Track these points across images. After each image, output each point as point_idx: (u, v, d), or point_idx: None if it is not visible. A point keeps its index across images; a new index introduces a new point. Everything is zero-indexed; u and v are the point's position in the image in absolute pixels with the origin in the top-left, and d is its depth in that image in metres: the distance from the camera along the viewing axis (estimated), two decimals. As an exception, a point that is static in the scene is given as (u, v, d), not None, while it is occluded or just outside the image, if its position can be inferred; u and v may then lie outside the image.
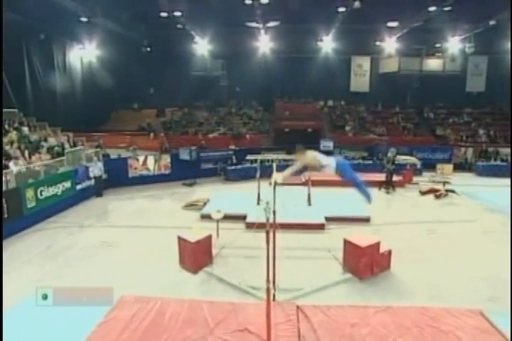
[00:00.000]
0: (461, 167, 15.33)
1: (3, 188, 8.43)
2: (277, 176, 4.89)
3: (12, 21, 13.76)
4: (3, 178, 8.45)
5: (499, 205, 9.72)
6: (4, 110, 11.89)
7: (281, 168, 7.29)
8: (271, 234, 4.35)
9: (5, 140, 10.60)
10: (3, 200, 7.83)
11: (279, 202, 5.40)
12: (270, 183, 4.69)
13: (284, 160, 9.74)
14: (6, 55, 13.66)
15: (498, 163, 15.31)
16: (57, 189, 9.82)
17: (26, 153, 10.39)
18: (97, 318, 4.66)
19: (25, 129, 11.96)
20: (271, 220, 4.27)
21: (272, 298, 4.75)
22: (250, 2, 14.12)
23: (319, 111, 21.42)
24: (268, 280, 4.00)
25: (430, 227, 8.40)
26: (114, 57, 20.16)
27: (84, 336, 4.36)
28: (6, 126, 11.42)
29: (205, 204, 9.95)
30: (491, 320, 4.61)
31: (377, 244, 6.07)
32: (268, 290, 3.91)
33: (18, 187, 8.64)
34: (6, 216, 7.84)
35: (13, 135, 11.04)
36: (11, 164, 9.29)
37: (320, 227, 8.29)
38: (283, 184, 4.94)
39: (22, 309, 4.83)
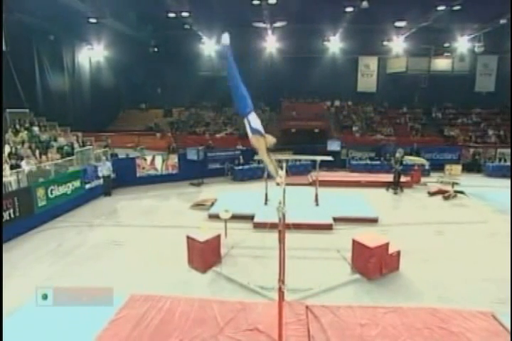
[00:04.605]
0: (470, 168, 15.19)
1: (15, 187, 8.57)
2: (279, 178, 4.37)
3: (22, 23, 14.02)
4: (15, 177, 8.60)
5: (508, 207, 9.60)
6: (15, 110, 12.14)
7: (290, 168, 7.34)
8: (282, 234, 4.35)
9: (16, 139, 10.79)
10: (15, 199, 7.96)
11: (286, 202, 5.40)
12: (277, 183, 4.61)
13: (293, 160, 9.72)
14: (17, 56, 13.93)
15: (508, 163, 15.10)
16: (67, 188, 9.94)
17: (37, 152, 10.55)
18: (96, 318, 4.64)
19: (36, 129, 12.16)
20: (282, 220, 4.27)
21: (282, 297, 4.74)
22: (258, 2, 14.16)
23: (326, 112, 21.37)
24: (280, 280, 4.01)
25: (438, 228, 8.35)
26: (121, 57, 20.36)
27: (87, 335, 4.37)
28: (18, 126, 11.63)
29: (212, 204, 9.99)
30: (503, 323, 4.57)
31: (386, 245, 6.05)
32: (280, 289, 3.92)
33: (30, 186, 8.77)
34: (17, 214, 7.97)
35: (24, 135, 11.23)
36: (23, 163, 9.44)
37: (328, 227, 8.28)
38: (288, 184, 4.83)
39: (28, 308, 4.83)
